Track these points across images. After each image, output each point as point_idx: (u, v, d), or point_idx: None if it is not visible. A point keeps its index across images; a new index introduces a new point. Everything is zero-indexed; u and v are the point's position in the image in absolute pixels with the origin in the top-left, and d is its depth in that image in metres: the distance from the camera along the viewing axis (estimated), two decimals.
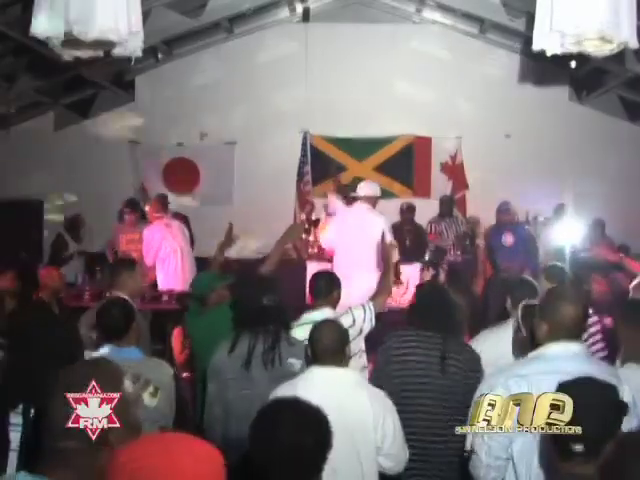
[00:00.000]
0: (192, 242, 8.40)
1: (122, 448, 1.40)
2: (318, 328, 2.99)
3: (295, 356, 3.21)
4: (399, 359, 3.31)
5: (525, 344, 2.97)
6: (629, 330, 3.07)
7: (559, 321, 2.57)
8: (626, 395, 2.49)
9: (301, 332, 3.59)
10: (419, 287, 4.00)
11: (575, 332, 2.60)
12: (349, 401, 2.79)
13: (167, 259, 7.29)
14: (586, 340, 3.87)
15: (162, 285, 7.19)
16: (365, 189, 6.58)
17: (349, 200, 6.69)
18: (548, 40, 3.69)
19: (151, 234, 7.20)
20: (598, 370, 2.48)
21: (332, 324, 3.06)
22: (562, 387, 2.01)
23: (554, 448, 1.96)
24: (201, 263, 8.57)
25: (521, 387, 2.37)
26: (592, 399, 1.95)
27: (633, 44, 3.66)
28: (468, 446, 2.67)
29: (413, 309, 3.58)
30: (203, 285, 4.26)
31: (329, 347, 2.88)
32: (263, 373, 3.18)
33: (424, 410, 3.20)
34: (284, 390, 2.70)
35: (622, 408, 1.97)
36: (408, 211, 8.28)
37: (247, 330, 3.29)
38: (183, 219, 8.45)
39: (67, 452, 1.55)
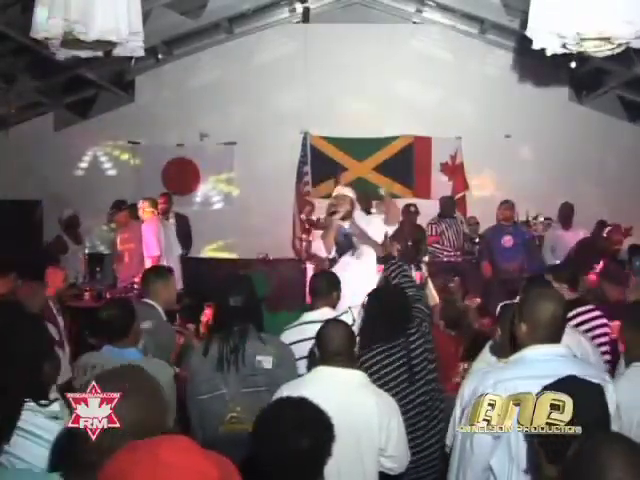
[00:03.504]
0: (190, 243, 8.43)
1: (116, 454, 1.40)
2: (327, 328, 2.98)
3: (265, 353, 3.20)
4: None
5: (503, 346, 2.96)
6: (633, 331, 3.05)
7: (537, 321, 2.53)
8: (609, 395, 2.49)
9: (301, 332, 3.60)
10: (372, 291, 3.77)
11: (555, 332, 2.55)
12: (355, 402, 2.79)
13: (163, 256, 7.30)
14: (581, 324, 3.88)
15: None
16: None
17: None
18: (548, 39, 3.69)
19: (150, 229, 7.21)
20: (582, 371, 2.44)
21: (341, 325, 3.05)
22: (551, 389, 2.00)
23: (544, 451, 1.94)
24: (200, 263, 8.61)
25: (508, 392, 2.35)
26: (587, 401, 1.94)
27: (636, 44, 3.65)
28: (449, 442, 2.70)
29: (369, 311, 3.54)
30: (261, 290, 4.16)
31: (337, 348, 2.88)
32: (234, 373, 3.19)
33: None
34: (290, 389, 2.70)
35: (607, 407, 1.96)
36: (415, 213, 8.23)
37: (216, 331, 3.31)
38: (183, 219, 8.48)
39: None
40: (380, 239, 5.25)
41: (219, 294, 3.44)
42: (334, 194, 5.64)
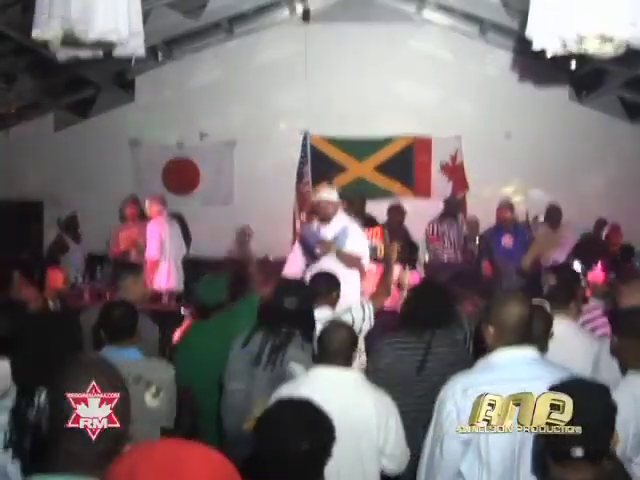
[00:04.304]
0: (189, 242, 8.43)
1: (123, 454, 1.39)
2: (329, 329, 2.98)
3: (300, 361, 3.20)
4: (385, 368, 3.32)
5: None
6: (626, 339, 3.03)
7: (504, 324, 2.52)
8: None
9: None
10: (415, 286, 4.01)
11: (523, 334, 2.52)
12: (353, 402, 2.79)
13: (167, 257, 7.29)
14: (585, 323, 3.87)
15: (159, 282, 7.16)
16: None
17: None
18: (548, 40, 3.68)
19: (156, 229, 7.19)
20: (551, 373, 2.43)
21: (343, 326, 3.06)
22: (555, 390, 1.99)
23: (549, 451, 1.94)
24: (200, 264, 8.61)
25: (475, 395, 2.34)
26: (590, 401, 1.93)
27: (637, 43, 3.63)
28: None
29: (406, 306, 3.61)
30: (222, 290, 4.12)
31: (338, 349, 2.89)
32: (266, 371, 3.19)
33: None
34: (288, 390, 2.70)
35: (615, 409, 1.96)
36: (402, 213, 8.18)
37: (262, 327, 3.31)
38: (179, 219, 8.47)
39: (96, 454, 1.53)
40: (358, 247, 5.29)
41: (274, 294, 3.46)
42: (319, 197, 5.52)
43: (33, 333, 2.44)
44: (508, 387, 2.29)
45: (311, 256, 5.39)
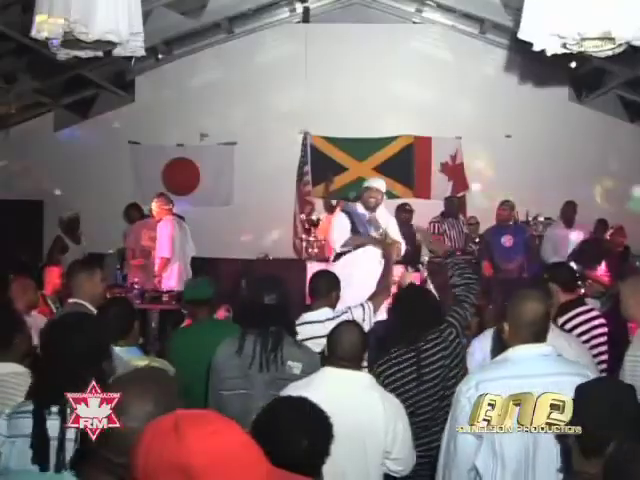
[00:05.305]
0: None
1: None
2: (340, 330, 2.96)
3: (296, 359, 3.17)
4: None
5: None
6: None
7: (519, 321, 2.57)
8: None
9: (300, 332, 3.59)
10: (400, 290, 3.98)
11: (537, 332, 2.57)
12: (361, 403, 2.78)
13: (177, 257, 7.25)
14: (588, 341, 3.86)
15: (168, 282, 7.13)
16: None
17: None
18: (548, 40, 3.68)
19: (167, 228, 7.13)
20: (564, 369, 2.48)
21: (355, 328, 3.02)
22: (585, 388, 2.00)
23: (581, 449, 1.94)
24: (200, 264, 8.61)
25: (488, 391, 2.37)
26: (626, 399, 1.95)
27: (637, 42, 3.62)
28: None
29: (395, 309, 3.58)
30: (205, 288, 4.06)
31: (347, 350, 2.86)
32: (262, 374, 3.17)
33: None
34: (297, 390, 2.67)
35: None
36: (409, 212, 8.19)
37: (252, 330, 3.28)
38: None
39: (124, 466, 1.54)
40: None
41: (253, 292, 3.42)
42: (368, 185, 5.93)
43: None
44: (521, 383, 2.31)
45: (356, 233, 5.67)
